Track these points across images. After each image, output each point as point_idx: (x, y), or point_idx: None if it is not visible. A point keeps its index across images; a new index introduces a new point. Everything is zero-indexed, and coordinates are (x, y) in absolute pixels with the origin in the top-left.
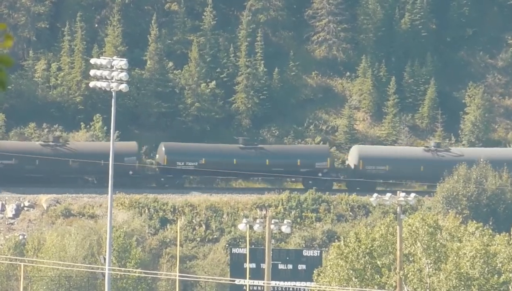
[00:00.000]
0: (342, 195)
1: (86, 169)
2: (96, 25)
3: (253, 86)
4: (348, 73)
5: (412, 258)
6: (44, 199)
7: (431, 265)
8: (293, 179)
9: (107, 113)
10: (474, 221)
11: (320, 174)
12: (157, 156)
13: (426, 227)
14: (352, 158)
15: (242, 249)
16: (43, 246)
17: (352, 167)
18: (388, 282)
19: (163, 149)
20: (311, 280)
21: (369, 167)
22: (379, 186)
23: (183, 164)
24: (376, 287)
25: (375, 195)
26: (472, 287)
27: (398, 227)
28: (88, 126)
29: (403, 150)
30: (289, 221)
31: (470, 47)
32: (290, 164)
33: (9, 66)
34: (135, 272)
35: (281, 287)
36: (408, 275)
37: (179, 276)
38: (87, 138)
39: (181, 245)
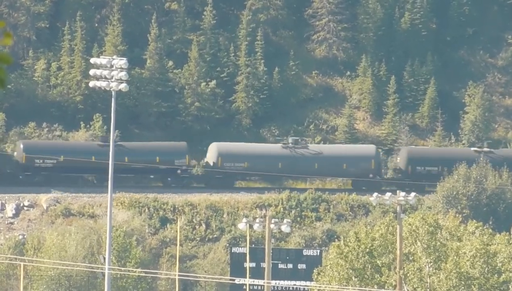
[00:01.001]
0: (342, 194)
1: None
2: (96, 25)
3: (253, 85)
4: (348, 73)
5: (412, 258)
6: (44, 198)
7: (431, 264)
8: (152, 176)
9: (107, 113)
10: (474, 220)
11: (179, 171)
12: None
13: (426, 226)
14: (211, 155)
15: (242, 248)
16: (43, 246)
17: (211, 164)
18: (388, 282)
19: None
20: (311, 280)
21: (228, 164)
22: (238, 183)
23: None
24: (376, 286)
25: (375, 194)
26: (472, 286)
27: (398, 226)
28: (88, 125)
29: (261, 147)
30: (289, 220)
31: (470, 47)
32: (149, 161)
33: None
34: (135, 272)
35: (281, 287)
36: (408, 275)
37: (179, 275)
38: (87, 138)
39: (181, 245)
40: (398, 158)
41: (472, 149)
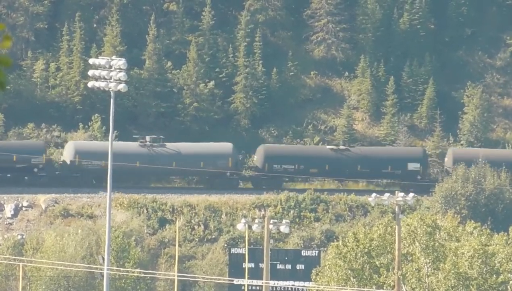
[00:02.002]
0: (340, 195)
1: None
2: (95, 25)
3: (252, 86)
4: (346, 73)
5: (411, 258)
6: (42, 199)
7: (430, 264)
8: (9, 175)
9: (106, 113)
10: (473, 221)
11: (35, 170)
12: (255, 157)
13: (425, 226)
14: (67, 153)
15: (241, 249)
16: (42, 246)
17: (68, 162)
18: (386, 282)
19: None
20: (310, 280)
21: (85, 162)
22: (96, 180)
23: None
24: (374, 287)
25: (373, 194)
26: (471, 286)
27: (396, 226)
28: (86, 126)
29: (118, 145)
30: (288, 221)
31: (468, 47)
32: (5, 160)
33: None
34: (133, 272)
35: (280, 287)
36: (407, 275)
37: (178, 276)
38: (86, 138)
39: (179, 245)
40: (255, 156)
41: (328, 147)
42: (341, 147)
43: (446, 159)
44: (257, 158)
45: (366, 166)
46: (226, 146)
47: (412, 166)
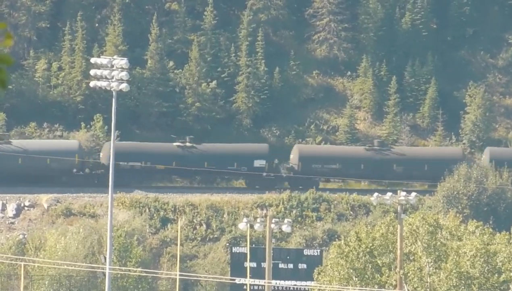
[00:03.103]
0: (342, 194)
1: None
2: (97, 25)
3: (254, 85)
4: (349, 73)
5: (413, 257)
6: (44, 198)
7: (432, 264)
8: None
9: (108, 113)
10: (475, 220)
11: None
12: (291, 156)
13: (427, 226)
14: (294, 156)
15: (243, 248)
16: (43, 246)
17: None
18: (388, 281)
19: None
20: (312, 279)
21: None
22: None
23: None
24: (376, 286)
25: (375, 194)
26: (473, 286)
27: (398, 226)
28: (88, 126)
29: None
30: (290, 220)
31: (470, 47)
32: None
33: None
34: (135, 271)
35: (282, 286)
36: (409, 274)
37: (180, 275)
38: (88, 138)
39: (181, 244)
40: (291, 155)
41: (175, 143)
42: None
43: (291, 156)
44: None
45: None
46: (72, 144)
47: (258, 163)
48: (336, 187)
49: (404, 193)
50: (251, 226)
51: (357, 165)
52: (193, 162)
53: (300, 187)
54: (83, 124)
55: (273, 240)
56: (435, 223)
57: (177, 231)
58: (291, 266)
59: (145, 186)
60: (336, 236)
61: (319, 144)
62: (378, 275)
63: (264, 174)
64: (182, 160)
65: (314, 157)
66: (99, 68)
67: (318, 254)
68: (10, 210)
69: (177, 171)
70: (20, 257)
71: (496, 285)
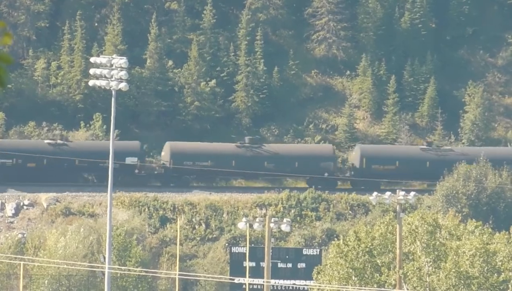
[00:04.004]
0: (342, 193)
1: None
2: (96, 24)
3: (253, 85)
4: (348, 72)
5: (412, 257)
6: (44, 197)
7: (431, 263)
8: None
9: (107, 112)
10: (474, 220)
11: (136, 171)
12: (162, 153)
13: (426, 225)
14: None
15: (242, 247)
16: (43, 245)
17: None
18: (387, 281)
19: None
20: (311, 279)
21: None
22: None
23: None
24: (375, 285)
25: (374, 193)
26: (472, 285)
27: (397, 225)
28: (88, 125)
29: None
30: (289, 219)
31: (470, 46)
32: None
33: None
34: (135, 271)
35: (281, 286)
36: (408, 274)
37: (179, 274)
38: (87, 137)
39: (181, 244)
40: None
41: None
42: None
43: (163, 153)
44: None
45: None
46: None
47: (129, 160)
48: (204, 185)
49: (403, 192)
50: (250, 226)
51: (228, 161)
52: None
53: (172, 185)
54: (82, 124)
55: (272, 240)
56: (434, 223)
57: (177, 231)
58: (290, 265)
59: (143, 185)
60: (335, 235)
61: (193, 142)
62: (378, 274)
63: (136, 171)
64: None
65: (185, 154)
66: (98, 68)
67: (317, 253)
68: (9, 209)
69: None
70: (20, 257)
71: (496, 284)
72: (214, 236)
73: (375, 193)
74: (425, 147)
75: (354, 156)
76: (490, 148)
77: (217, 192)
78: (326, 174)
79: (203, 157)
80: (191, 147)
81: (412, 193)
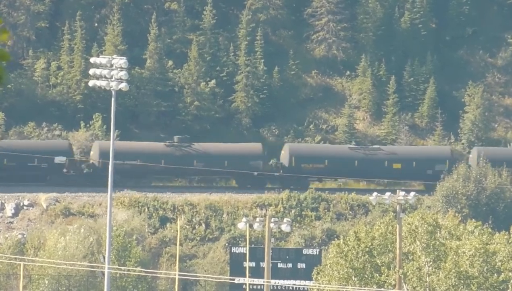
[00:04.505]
0: (342, 193)
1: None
2: (96, 24)
3: (253, 85)
4: (348, 72)
5: (412, 257)
6: (43, 198)
7: (431, 263)
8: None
9: (107, 112)
10: (474, 220)
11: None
12: (91, 153)
13: (426, 225)
14: (284, 155)
15: (242, 248)
16: (43, 245)
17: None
18: (387, 281)
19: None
20: (311, 279)
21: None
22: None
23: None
24: (375, 285)
25: (374, 193)
26: (472, 285)
27: (397, 225)
28: (87, 125)
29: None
30: (289, 219)
31: (469, 46)
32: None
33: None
34: (135, 271)
35: (281, 286)
36: (408, 274)
37: (179, 275)
38: (88, 137)
39: (180, 244)
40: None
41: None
42: None
43: (91, 153)
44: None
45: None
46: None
47: (58, 159)
48: (134, 184)
49: (403, 193)
50: (250, 226)
51: (157, 160)
52: None
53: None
54: (82, 124)
55: (272, 240)
56: (434, 223)
57: (176, 231)
58: (290, 265)
59: (143, 185)
60: (335, 235)
61: (121, 141)
62: (377, 274)
63: (64, 170)
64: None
65: (114, 153)
66: (98, 68)
67: (317, 253)
68: (9, 209)
69: None
70: (19, 257)
71: (495, 284)
72: (214, 236)
73: (375, 193)
74: (353, 145)
75: (283, 155)
76: (418, 147)
77: (217, 192)
78: (255, 173)
79: (132, 156)
80: (120, 146)
81: (412, 193)
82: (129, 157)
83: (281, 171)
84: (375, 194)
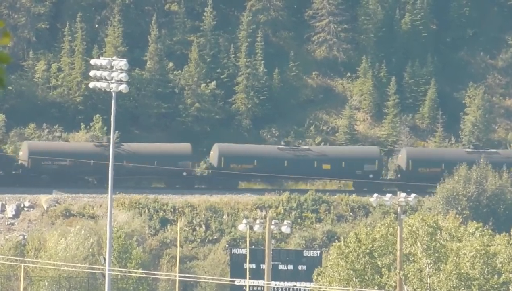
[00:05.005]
0: (342, 195)
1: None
2: (96, 26)
3: (253, 86)
4: (348, 74)
5: (412, 258)
6: (44, 199)
7: (431, 265)
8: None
9: (107, 114)
10: (474, 221)
11: (184, 173)
12: (20, 153)
13: (426, 227)
14: (213, 155)
15: (242, 249)
16: (43, 247)
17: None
18: (388, 282)
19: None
20: (311, 281)
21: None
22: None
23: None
24: (376, 287)
25: (375, 195)
26: (472, 287)
27: (398, 227)
28: (88, 127)
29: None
30: (289, 221)
31: (470, 48)
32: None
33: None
34: (135, 273)
35: (281, 288)
36: (408, 275)
37: (179, 276)
38: (87, 139)
39: (181, 246)
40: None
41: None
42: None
43: (20, 153)
44: (212, 155)
45: None
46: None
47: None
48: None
49: (404, 194)
50: (251, 227)
51: (86, 161)
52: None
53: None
54: (82, 125)
55: (273, 241)
56: (434, 224)
57: (177, 232)
58: (290, 267)
59: (143, 186)
60: (335, 237)
61: (51, 141)
62: (378, 276)
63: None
64: None
65: (43, 153)
66: (98, 69)
67: (318, 255)
68: (10, 210)
69: None
70: (20, 258)
71: (496, 286)
72: (215, 237)
73: (375, 195)
74: (282, 146)
75: (212, 155)
76: (348, 148)
77: (217, 194)
78: (184, 173)
79: (62, 156)
80: (49, 146)
81: (413, 195)
82: (59, 157)
83: (210, 171)
84: (375, 195)
